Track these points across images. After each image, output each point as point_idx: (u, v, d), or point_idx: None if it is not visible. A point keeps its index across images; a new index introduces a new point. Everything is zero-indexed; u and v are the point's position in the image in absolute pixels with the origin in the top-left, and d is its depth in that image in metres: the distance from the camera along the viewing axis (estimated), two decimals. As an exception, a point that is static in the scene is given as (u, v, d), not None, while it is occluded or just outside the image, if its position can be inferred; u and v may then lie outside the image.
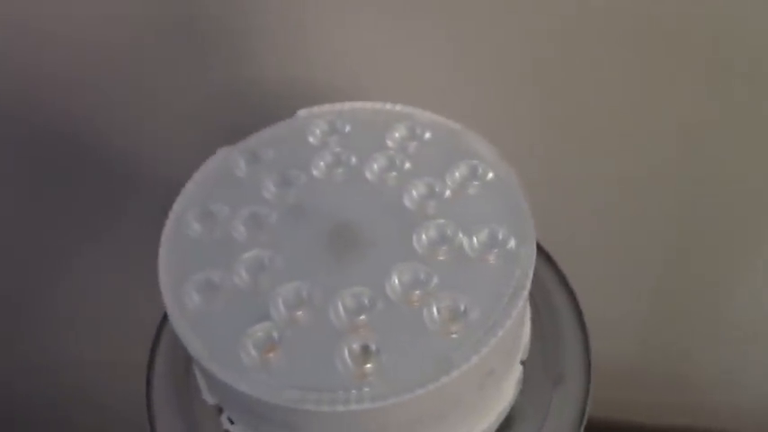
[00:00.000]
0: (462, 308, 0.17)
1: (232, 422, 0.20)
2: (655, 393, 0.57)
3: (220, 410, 0.20)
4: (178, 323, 0.18)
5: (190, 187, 0.20)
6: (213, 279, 0.18)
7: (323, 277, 0.18)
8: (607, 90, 0.33)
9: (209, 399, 0.20)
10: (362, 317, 0.17)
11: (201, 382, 0.20)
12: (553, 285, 0.24)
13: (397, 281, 0.18)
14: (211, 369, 0.17)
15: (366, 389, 0.16)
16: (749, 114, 0.35)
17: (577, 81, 0.33)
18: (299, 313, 0.18)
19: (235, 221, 0.19)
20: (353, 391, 0.16)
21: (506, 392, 0.20)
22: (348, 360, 0.17)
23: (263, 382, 0.17)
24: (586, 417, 0.22)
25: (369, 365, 0.17)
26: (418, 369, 0.17)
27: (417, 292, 0.18)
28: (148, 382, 0.23)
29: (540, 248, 0.24)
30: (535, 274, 0.19)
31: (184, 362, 0.22)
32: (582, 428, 0.22)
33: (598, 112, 0.35)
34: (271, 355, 0.17)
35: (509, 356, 0.19)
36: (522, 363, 0.21)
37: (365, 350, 0.17)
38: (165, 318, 0.24)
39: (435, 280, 0.18)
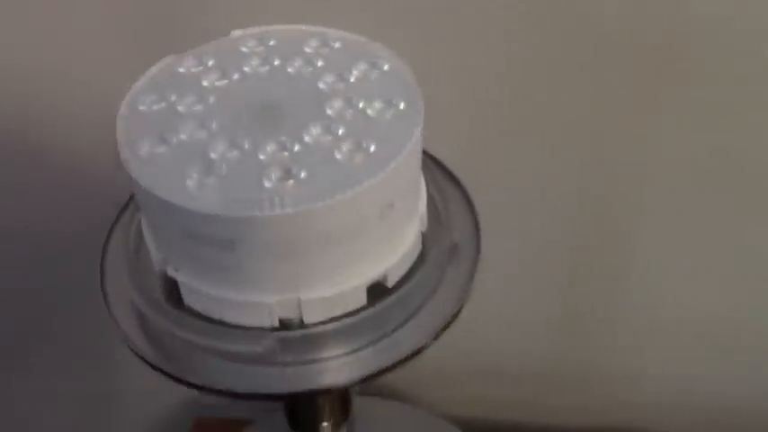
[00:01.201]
0: (364, 145, 0.22)
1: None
2: (563, 394, 0.61)
3: (166, 277, 0.24)
4: (133, 167, 0.22)
5: (140, 81, 0.25)
6: (162, 135, 0.22)
7: (252, 132, 0.22)
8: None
9: (156, 255, 0.24)
10: (285, 154, 0.22)
11: (149, 240, 0.24)
12: (449, 188, 0.29)
13: (312, 130, 0.22)
14: (162, 195, 0.21)
15: (288, 198, 0.20)
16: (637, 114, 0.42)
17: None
18: (234, 153, 0.22)
19: (178, 100, 0.24)
20: (277, 198, 0.20)
21: (407, 238, 0.24)
22: (273, 178, 0.21)
23: (205, 197, 0.21)
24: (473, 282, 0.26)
25: (290, 182, 0.21)
26: (329, 184, 0.21)
27: (329, 137, 0.22)
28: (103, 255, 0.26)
29: (441, 165, 0.29)
30: (433, 182, 0.24)
31: (135, 241, 0.26)
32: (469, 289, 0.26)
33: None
34: (210, 179, 0.21)
35: (405, 198, 0.24)
36: (423, 234, 0.26)
37: (287, 173, 0.21)
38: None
39: (342, 129, 0.22)
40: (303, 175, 0.21)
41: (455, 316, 0.25)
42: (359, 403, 0.38)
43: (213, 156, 0.22)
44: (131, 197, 0.28)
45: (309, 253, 0.22)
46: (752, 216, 0.48)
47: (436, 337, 0.25)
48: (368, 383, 0.24)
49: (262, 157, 0.22)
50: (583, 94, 0.41)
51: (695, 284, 0.52)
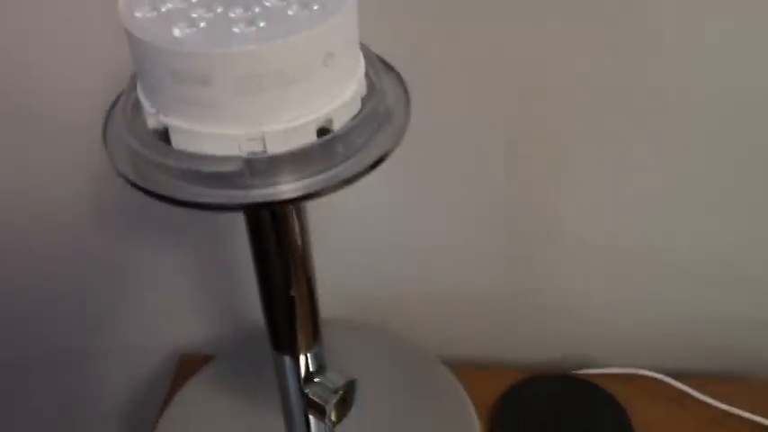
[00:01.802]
0: (310, 5, 0.29)
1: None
2: (512, 326, 0.67)
3: (157, 129, 0.30)
4: (132, 26, 0.28)
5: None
6: (153, 5, 0.29)
7: (223, 2, 0.29)
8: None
9: (150, 110, 0.30)
10: (249, 13, 0.29)
11: (144, 101, 0.31)
12: (385, 73, 0.36)
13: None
14: (155, 43, 0.27)
15: (251, 38, 0.27)
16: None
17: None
18: (210, 14, 0.29)
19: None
20: (243, 38, 0.27)
21: (348, 90, 0.31)
22: (240, 27, 0.28)
23: (188, 41, 0.27)
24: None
25: (252, 28, 0.28)
26: (283, 31, 0.28)
27: (283, 2, 0.29)
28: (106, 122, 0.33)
29: (378, 57, 0.36)
30: (372, 66, 0.32)
31: (133, 106, 0.33)
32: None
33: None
34: (191, 30, 0.28)
35: (344, 54, 0.30)
36: (362, 98, 0.33)
37: (251, 24, 0.28)
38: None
39: (294, -2, 0.29)
40: (262, 24, 0.28)
41: (385, 156, 0.32)
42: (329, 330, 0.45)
43: (194, 15, 0.29)
44: (119, 95, 0.35)
45: (269, 89, 0.28)
46: (679, 145, 0.55)
47: (370, 168, 0.31)
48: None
49: (231, 15, 0.29)
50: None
51: (623, 213, 0.59)
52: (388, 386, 0.59)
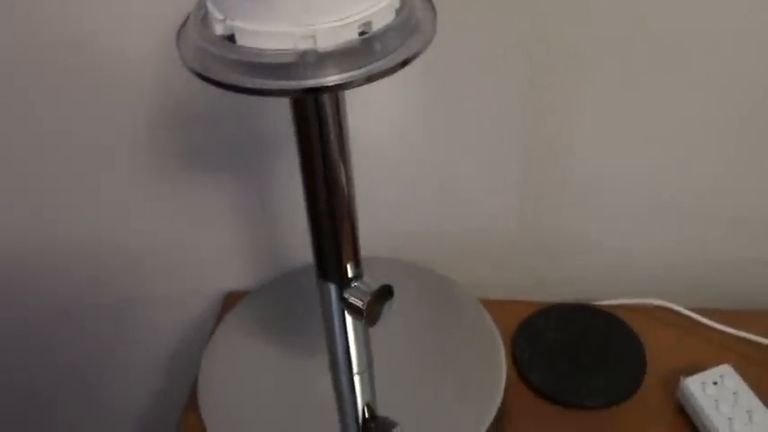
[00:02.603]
0: None
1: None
2: (529, 264, 0.72)
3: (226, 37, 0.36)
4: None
5: None
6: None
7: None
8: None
9: (218, 15, 0.36)
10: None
11: (213, 10, 0.37)
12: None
13: None
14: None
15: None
16: None
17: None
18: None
19: None
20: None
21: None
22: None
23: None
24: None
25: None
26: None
27: None
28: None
29: None
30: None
31: (202, 17, 0.39)
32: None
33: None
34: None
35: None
36: (395, 11, 0.38)
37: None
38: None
39: None
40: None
41: (413, 56, 0.38)
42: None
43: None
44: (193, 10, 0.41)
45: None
46: (692, 85, 0.59)
47: (401, 65, 0.37)
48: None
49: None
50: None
51: (635, 152, 0.64)
52: (421, 311, 0.65)
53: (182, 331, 0.79)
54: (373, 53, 0.37)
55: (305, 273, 0.66)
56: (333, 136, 0.44)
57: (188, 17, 0.41)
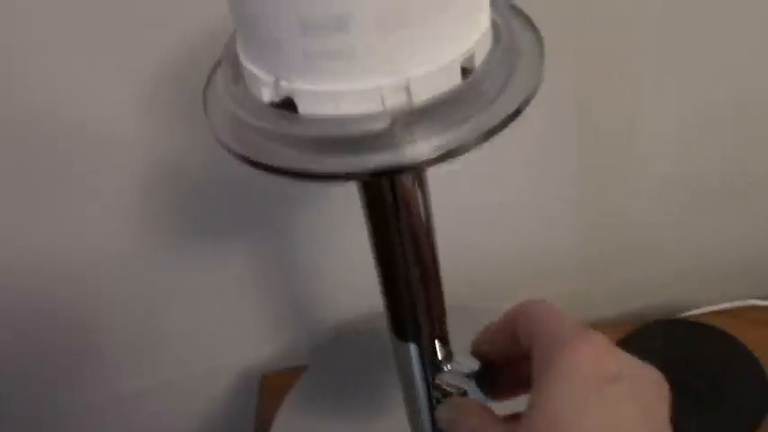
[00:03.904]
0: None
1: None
2: (590, 281, 0.64)
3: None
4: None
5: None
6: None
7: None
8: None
9: (266, 79, 0.26)
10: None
11: (257, 71, 0.27)
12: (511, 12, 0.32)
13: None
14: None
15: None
16: None
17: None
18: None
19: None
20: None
21: (483, 20, 0.27)
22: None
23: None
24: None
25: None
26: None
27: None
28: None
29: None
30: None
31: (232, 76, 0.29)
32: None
33: None
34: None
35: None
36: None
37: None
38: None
39: None
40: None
41: (530, 97, 0.28)
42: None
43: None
44: (216, 64, 0.31)
45: (413, 23, 0.24)
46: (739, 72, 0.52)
47: (518, 111, 0.28)
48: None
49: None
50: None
51: (699, 138, 0.56)
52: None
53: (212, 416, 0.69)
54: (481, 97, 0.27)
55: (348, 338, 0.57)
56: (420, 210, 0.34)
57: (211, 76, 0.31)
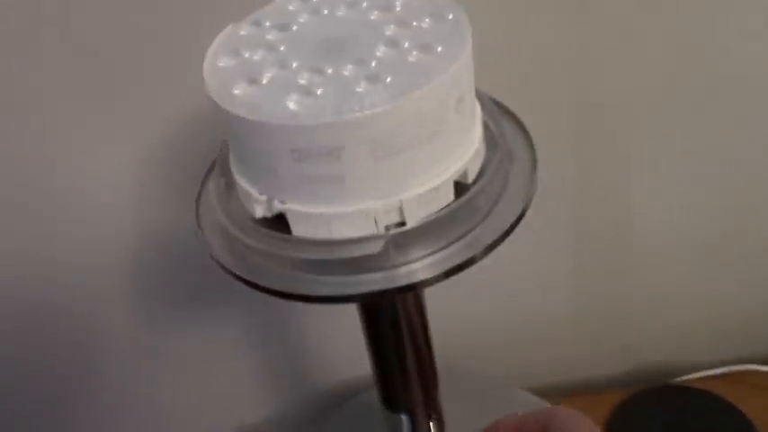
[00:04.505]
0: (432, 47, 0.25)
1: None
2: (588, 343, 0.63)
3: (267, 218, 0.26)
4: (232, 106, 0.24)
5: (213, 46, 0.27)
6: (250, 79, 0.25)
7: (328, 61, 0.25)
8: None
9: (259, 198, 0.26)
10: (365, 68, 0.24)
11: (249, 189, 0.26)
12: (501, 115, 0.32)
13: (380, 48, 0.25)
14: (272, 121, 0.23)
15: (382, 95, 0.23)
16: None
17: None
18: (320, 77, 0.24)
19: (252, 54, 0.26)
20: (374, 97, 0.23)
21: (476, 135, 0.27)
22: (363, 86, 0.24)
23: (309, 113, 0.23)
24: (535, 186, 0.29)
25: (379, 84, 0.24)
26: (412, 81, 0.24)
27: (396, 49, 0.25)
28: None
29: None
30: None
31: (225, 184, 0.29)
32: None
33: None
34: (308, 99, 0.24)
35: (470, 94, 0.27)
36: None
37: (374, 79, 0.24)
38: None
39: (406, 42, 0.25)
40: (388, 79, 0.24)
41: (526, 208, 0.28)
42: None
43: (303, 82, 0.24)
44: (210, 168, 0.30)
45: (406, 150, 0.24)
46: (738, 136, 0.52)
47: (512, 227, 0.27)
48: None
49: (346, 73, 0.24)
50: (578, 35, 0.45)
51: (691, 204, 0.56)
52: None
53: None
54: (476, 212, 0.27)
55: (346, 406, 0.56)
56: (417, 326, 0.33)
57: (204, 182, 0.30)
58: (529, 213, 0.53)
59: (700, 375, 0.59)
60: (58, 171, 0.47)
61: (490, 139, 0.29)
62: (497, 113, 0.31)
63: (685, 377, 0.59)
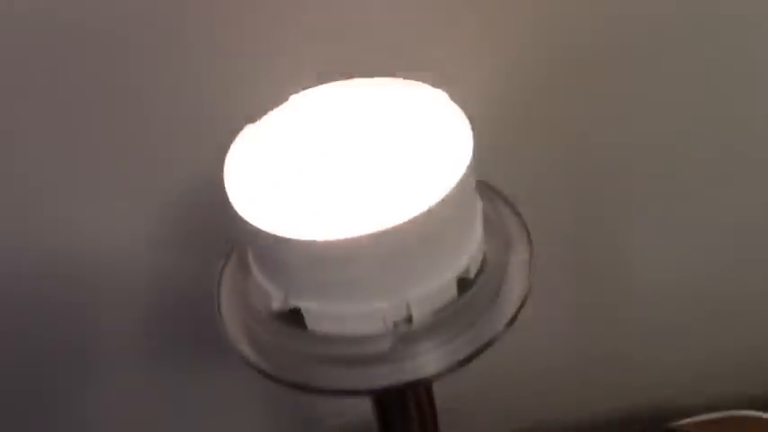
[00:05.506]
0: (436, 160, 0.27)
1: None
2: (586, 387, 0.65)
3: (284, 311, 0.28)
4: (255, 218, 0.26)
5: (231, 150, 0.29)
6: (268, 187, 0.27)
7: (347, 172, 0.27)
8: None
9: (276, 293, 0.28)
10: (376, 177, 0.27)
11: (266, 284, 0.28)
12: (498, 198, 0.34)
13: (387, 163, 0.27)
14: (290, 236, 0.25)
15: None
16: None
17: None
18: (331, 191, 0.26)
19: (272, 160, 0.28)
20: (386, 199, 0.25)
21: (477, 232, 0.29)
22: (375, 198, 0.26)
23: (326, 227, 0.25)
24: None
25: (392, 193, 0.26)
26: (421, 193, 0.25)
27: (412, 160, 0.27)
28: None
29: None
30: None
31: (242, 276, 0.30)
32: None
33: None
34: (323, 213, 0.26)
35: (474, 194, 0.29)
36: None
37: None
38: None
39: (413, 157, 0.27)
40: (399, 195, 0.26)
41: (526, 297, 0.30)
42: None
43: (315, 196, 0.26)
44: (228, 255, 0.32)
45: (411, 255, 0.26)
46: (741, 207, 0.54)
47: (513, 318, 0.29)
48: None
49: (355, 184, 0.27)
50: (574, 100, 0.47)
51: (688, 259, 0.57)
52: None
53: None
54: (479, 305, 0.29)
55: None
56: (427, 416, 0.35)
57: (223, 270, 0.32)
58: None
59: (698, 420, 0.60)
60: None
61: (487, 224, 0.31)
62: (492, 198, 0.33)
63: (683, 421, 0.60)
